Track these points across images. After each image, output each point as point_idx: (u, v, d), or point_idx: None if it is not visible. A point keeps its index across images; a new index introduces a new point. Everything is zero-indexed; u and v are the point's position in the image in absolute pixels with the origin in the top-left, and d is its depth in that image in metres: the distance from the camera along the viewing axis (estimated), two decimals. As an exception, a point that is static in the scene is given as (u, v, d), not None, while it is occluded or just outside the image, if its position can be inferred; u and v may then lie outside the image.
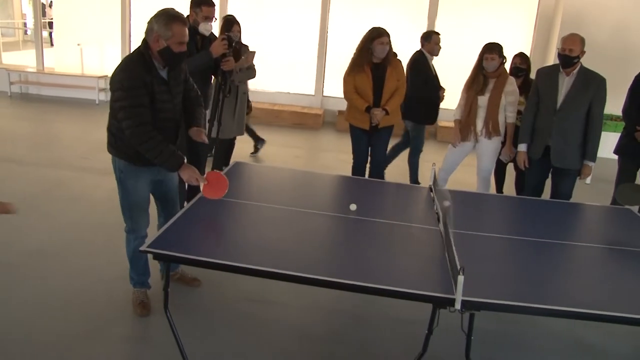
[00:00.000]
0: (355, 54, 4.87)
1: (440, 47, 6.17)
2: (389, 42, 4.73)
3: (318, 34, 9.97)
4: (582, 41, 4.29)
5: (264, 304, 3.71)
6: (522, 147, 4.65)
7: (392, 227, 3.23)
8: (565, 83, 4.36)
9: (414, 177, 6.34)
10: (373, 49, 4.72)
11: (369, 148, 5.13)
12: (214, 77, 4.67)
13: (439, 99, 6.13)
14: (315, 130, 9.33)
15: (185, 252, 2.61)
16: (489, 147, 4.97)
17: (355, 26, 9.38)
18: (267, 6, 10.06)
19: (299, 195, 3.75)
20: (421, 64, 6.04)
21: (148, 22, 3.05)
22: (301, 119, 9.50)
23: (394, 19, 9.88)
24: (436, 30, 9.26)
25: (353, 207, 3.37)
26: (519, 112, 4.97)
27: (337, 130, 9.33)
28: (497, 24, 9.79)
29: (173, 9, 3.09)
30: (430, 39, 6.12)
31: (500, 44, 4.84)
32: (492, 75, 4.83)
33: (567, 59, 4.28)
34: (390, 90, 4.89)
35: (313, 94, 10.12)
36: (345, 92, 4.96)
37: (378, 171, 5.17)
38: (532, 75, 5.27)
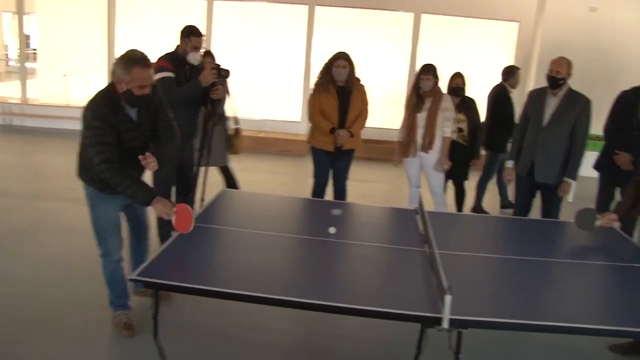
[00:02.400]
0: (318, 77, 5.01)
1: (519, 81, 6.58)
2: (348, 66, 4.85)
3: (303, 60, 10.11)
4: (568, 64, 4.49)
5: (252, 328, 3.72)
6: (510, 164, 4.87)
7: (378, 250, 3.28)
8: (552, 103, 4.55)
9: (478, 201, 6.63)
10: (333, 71, 4.86)
11: (330, 171, 5.20)
12: (203, 106, 4.72)
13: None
14: (301, 156, 9.38)
15: (176, 280, 2.65)
16: (430, 161, 5.23)
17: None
18: (252, 34, 10.19)
19: (284, 220, 3.79)
20: (505, 97, 6.37)
21: (113, 64, 3.14)
22: (287, 146, 9.57)
23: (378, 47, 10.08)
24: (417, 57, 9.50)
25: (332, 230, 3.41)
26: (459, 130, 5.57)
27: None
28: (479, 50, 10.00)
29: (136, 51, 3.12)
30: (514, 74, 6.49)
31: (434, 64, 5.14)
32: (428, 95, 5.10)
33: (554, 81, 4.48)
34: (355, 113, 4.99)
35: (299, 120, 10.21)
36: (310, 114, 5.06)
37: (341, 194, 5.24)
38: (466, 94, 5.76)
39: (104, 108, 3.09)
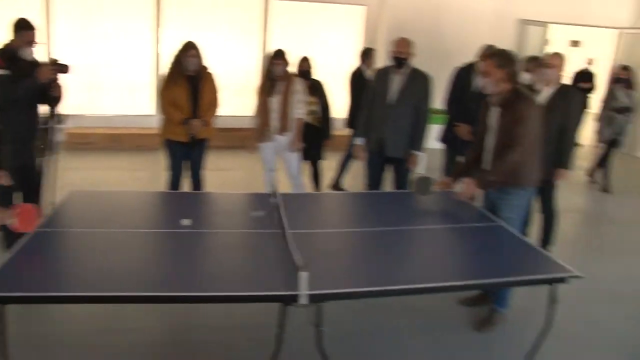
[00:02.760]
0: (169, 68, 4.93)
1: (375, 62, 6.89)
2: (198, 55, 4.85)
3: (152, 51, 9.78)
4: (409, 44, 4.75)
5: (115, 330, 3.57)
6: (359, 141, 5.05)
7: (236, 236, 3.30)
8: (396, 81, 4.78)
9: (338, 178, 6.82)
10: (184, 61, 4.82)
11: (185, 163, 5.13)
12: (42, 104, 4.42)
13: None
14: (156, 150, 9.05)
15: (24, 290, 2.49)
16: (285, 144, 5.32)
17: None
18: (96, 27, 9.67)
19: (139, 217, 3.67)
20: (362, 78, 6.60)
21: None
22: (142, 141, 9.21)
23: (228, 34, 9.99)
24: (269, 43, 9.58)
25: (186, 222, 3.37)
26: (312, 112, 5.71)
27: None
28: (329, 34, 10.25)
29: None
30: (370, 55, 6.87)
31: (285, 49, 5.19)
32: (280, 79, 5.16)
33: (398, 60, 4.73)
34: (206, 102, 4.97)
35: (152, 113, 9.89)
36: (162, 107, 4.99)
37: (198, 185, 5.20)
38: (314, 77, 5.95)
39: None
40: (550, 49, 10.56)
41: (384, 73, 4.93)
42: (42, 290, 2.52)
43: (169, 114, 4.92)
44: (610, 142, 7.62)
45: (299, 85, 5.30)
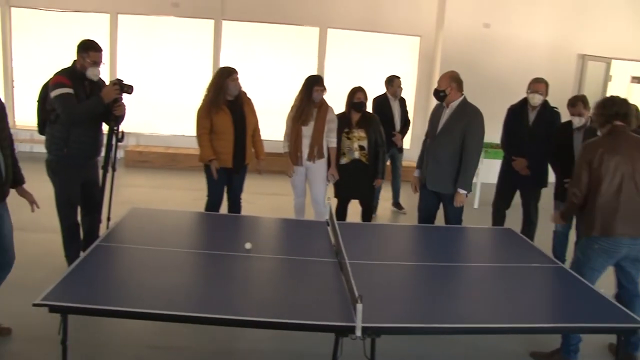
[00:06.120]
0: (208, 94, 4.92)
1: (402, 89, 7.06)
2: (238, 79, 4.88)
3: (210, 75, 9.99)
4: (450, 77, 4.60)
5: (162, 348, 3.61)
6: (415, 173, 4.97)
7: (291, 263, 3.31)
8: (445, 114, 4.65)
9: (396, 199, 7.39)
10: (226, 86, 4.82)
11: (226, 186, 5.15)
12: (106, 122, 4.55)
13: (394, 135, 6.90)
14: (211, 172, 9.24)
15: (84, 302, 2.56)
16: (318, 171, 5.30)
17: (246, 66, 9.55)
18: (157, 48, 9.98)
19: (197, 237, 3.74)
20: (384, 105, 6.83)
21: None
22: (196, 162, 9.38)
23: (285, 60, 10.11)
24: (324, 70, 9.67)
25: (248, 245, 3.40)
26: (361, 148, 5.30)
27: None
28: (384, 63, 10.27)
29: None
30: (393, 83, 6.95)
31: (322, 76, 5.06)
32: (315, 106, 5.16)
33: (436, 93, 4.66)
34: (252, 126, 5.04)
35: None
36: (199, 135, 4.94)
37: (238, 207, 5.23)
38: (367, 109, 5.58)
39: None
40: (612, 85, 10.21)
41: (438, 107, 4.79)
42: (100, 303, 2.58)
43: (202, 147, 4.95)
44: None
45: (332, 114, 5.25)
